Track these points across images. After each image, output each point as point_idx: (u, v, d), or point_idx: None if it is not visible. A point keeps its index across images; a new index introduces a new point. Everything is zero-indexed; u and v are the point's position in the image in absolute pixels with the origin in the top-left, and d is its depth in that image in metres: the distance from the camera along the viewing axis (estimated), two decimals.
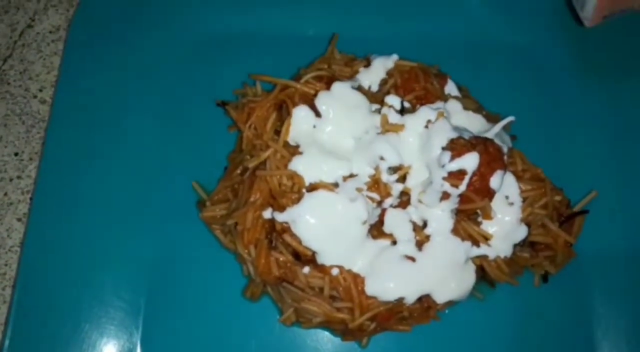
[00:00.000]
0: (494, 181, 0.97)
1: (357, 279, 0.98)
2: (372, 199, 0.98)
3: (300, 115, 1.02)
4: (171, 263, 1.10)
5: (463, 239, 0.99)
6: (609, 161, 1.18)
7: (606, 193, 1.11)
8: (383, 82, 1.10)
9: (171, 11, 1.26)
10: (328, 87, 1.04)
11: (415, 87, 1.07)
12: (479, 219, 1.01)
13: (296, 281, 1.00)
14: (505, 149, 1.00)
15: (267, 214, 1.00)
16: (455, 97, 1.09)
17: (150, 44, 1.23)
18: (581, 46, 1.26)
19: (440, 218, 0.99)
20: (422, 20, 1.28)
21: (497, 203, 1.00)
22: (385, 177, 0.99)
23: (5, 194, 1.20)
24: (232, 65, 1.22)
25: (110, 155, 1.16)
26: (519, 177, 1.03)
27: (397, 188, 1.00)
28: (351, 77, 1.10)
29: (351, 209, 0.96)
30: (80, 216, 1.11)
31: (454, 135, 0.97)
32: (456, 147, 0.95)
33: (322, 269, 0.98)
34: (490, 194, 0.98)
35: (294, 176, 0.99)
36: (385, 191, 0.99)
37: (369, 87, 1.09)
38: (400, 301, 0.98)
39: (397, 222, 1.00)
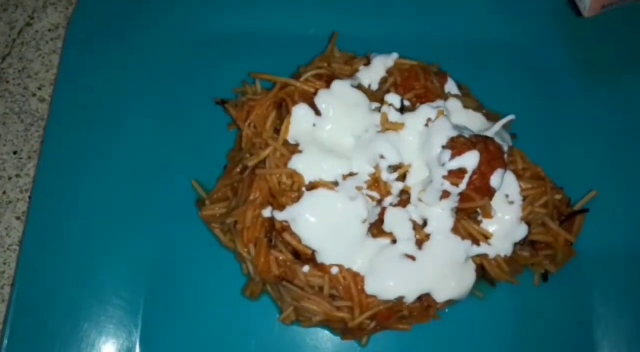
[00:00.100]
0: (495, 180, 0.96)
1: (357, 278, 0.98)
2: (372, 197, 0.98)
3: (300, 113, 1.02)
4: (171, 262, 1.10)
5: (463, 238, 0.99)
6: (609, 160, 1.18)
7: (607, 192, 1.11)
8: (383, 81, 1.10)
9: (171, 9, 1.26)
10: (328, 85, 1.04)
11: (415, 86, 1.07)
12: (479, 218, 1.01)
13: (296, 279, 0.99)
14: (505, 148, 1.00)
15: (267, 212, 1.00)
16: (456, 96, 1.09)
17: (149, 43, 1.23)
18: (581, 45, 1.26)
19: (441, 217, 0.98)
20: (422, 19, 1.28)
21: (497, 202, 1.00)
22: (385, 175, 0.99)
23: (4, 192, 1.19)
24: (231, 64, 1.22)
25: (109, 154, 1.16)
26: (519, 176, 1.03)
27: (397, 187, 0.99)
28: (351, 75, 1.10)
29: (351, 207, 0.96)
30: (79, 215, 1.11)
31: (454, 133, 0.97)
32: (456, 145, 0.95)
33: (322, 268, 0.98)
34: (490, 192, 0.97)
35: (294, 175, 0.99)
36: (385, 189, 0.99)
37: (369, 86, 1.09)
38: (400, 300, 0.98)
39: (397, 221, 1.00)
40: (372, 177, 0.99)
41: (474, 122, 1.07)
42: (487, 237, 1.00)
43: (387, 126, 1.00)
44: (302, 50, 1.19)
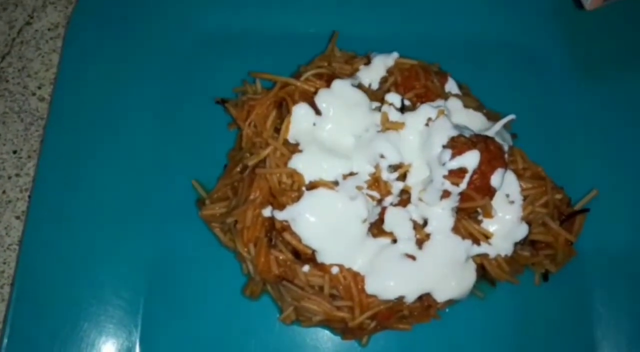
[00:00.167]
0: (495, 179, 0.96)
1: (357, 278, 0.98)
2: (372, 197, 0.98)
3: (300, 113, 1.02)
4: (170, 261, 1.09)
5: (463, 237, 0.99)
6: (609, 159, 1.17)
7: (607, 191, 1.11)
8: (383, 80, 1.09)
9: (170, 8, 1.25)
10: (328, 84, 1.03)
11: (415, 85, 1.07)
12: (480, 217, 1.01)
13: (296, 279, 0.99)
14: (506, 147, 1.00)
15: (266, 212, 1.00)
16: (456, 95, 1.09)
17: (149, 42, 1.23)
18: (582, 44, 1.26)
19: (441, 216, 0.98)
20: (422, 18, 1.27)
21: (497, 201, 1.00)
22: (385, 175, 0.98)
23: (4, 192, 1.19)
24: (231, 63, 1.22)
25: (109, 153, 1.15)
26: (519, 176, 1.03)
27: (397, 186, 0.99)
28: (351, 75, 1.09)
29: (351, 207, 0.96)
30: (79, 214, 1.11)
31: (454, 133, 0.97)
32: (457, 145, 0.95)
33: (322, 268, 0.98)
34: (490, 192, 0.97)
35: (294, 174, 0.99)
36: (385, 189, 0.99)
37: (369, 85, 1.09)
38: (400, 299, 0.98)
39: (397, 220, 1.00)
40: (372, 177, 0.99)
41: (474, 121, 1.07)
42: (487, 236, 1.00)
43: (388, 125, 1.00)
44: (302, 50, 1.19)
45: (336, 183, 0.98)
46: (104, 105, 1.18)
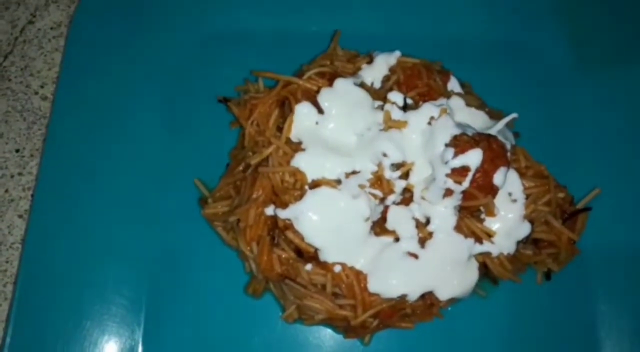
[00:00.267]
0: (497, 178, 0.96)
1: (360, 276, 0.98)
2: (374, 195, 0.98)
3: (303, 111, 1.02)
4: (173, 260, 1.09)
5: (466, 236, 0.99)
6: (612, 158, 1.17)
7: (610, 190, 1.11)
8: (386, 79, 1.09)
9: (173, 7, 1.25)
10: (330, 83, 1.03)
11: (418, 84, 1.07)
12: (482, 216, 1.01)
13: (298, 277, 0.99)
14: (508, 146, 1.00)
15: (269, 210, 1.00)
16: (458, 94, 1.09)
17: (151, 40, 1.23)
18: (584, 43, 1.26)
19: (443, 215, 0.98)
20: (424, 17, 1.28)
21: (500, 200, 1.00)
22: (388, 173, 0.98)
23: (6, 190, 1.19)
24: (234, 62, 1.22)
25: (111, 152, 1.15)
26: (522, 174, 1.03)
27: (399, 185, 0.99)
28: (354, 73, 1.09)
29: (354, 206, 0.96)
30: (82, 213, 1.11)
31: (457, 131, 0.97)
32: (459, 143, 0.95)
33: (325, 266, 0.98)
34: (493, 190, 0.97)
35: (297, 173, 0.99)
36: (388, 187, 0.98)
37: (372, 84, 1.09)
38: (403, 298, 0.98)
39: (399, 219, 1.00)
40: (374, 175, 0.99)
41: (477, 120, 1.07)
42: (489, 235, 1.00)
43: (390, 124, 1.00)
44: (305, 48, 1.18)
45: (339, 182, 0.98)
46: (106, 104, 1.18)
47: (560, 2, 1.29)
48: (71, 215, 1.10)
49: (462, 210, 1.00)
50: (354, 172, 0.99)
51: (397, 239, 0.99)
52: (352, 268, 0.98)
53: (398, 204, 1.01)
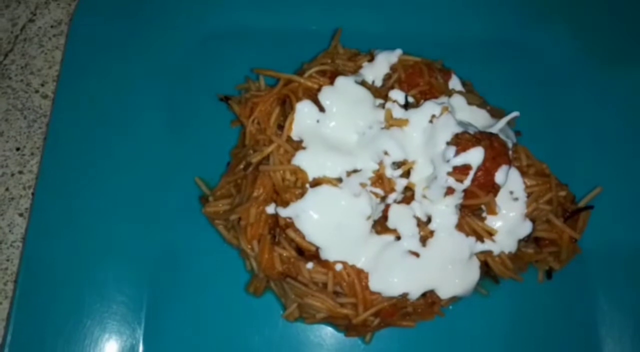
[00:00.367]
0: (499, 176, 0.96)
1: (361, 275, 0.98)
2: (376, 194, 0.98)
3: (304, 110, 1.02)
4: (174, 258, 1.09)
5: (467, 234, 0.99)
6: (614, 157, 1.17)
7: (611, 189, 1.11)
8: (387, 77, 1.09)
9: (174, 5, 1.25)
10: (332, 81, 1.03)
11: (419, 82, 1.07)
12: (484, 214, 1.01)
13: (299, 276, 0.99)
14: (509, 144, 1.00)
15: (270, 209, 1.00)
16: (460, 92, 1.09)
17: (152, 39, 1.23)
18: (586, 41, 1.26)
19: (445, 213, 0.98)
20: (425, 15, 1.27)
21: (501, 198, 1.00)
22: (389, 172, 0.98)
23: (7, 189, 1.19)
24: (235, 60, 1.22)
25: (112, 151, 1.15)
26: (523, 173, 1.03)
27: (401, 183, 0.99)
28: (355, 71, 1.09)
29: (355, 204, 0.96)
30: (82, 211, 1.11)
31: (458, 130, 0.97)
32: (461, 142, 0.95)
33: (326, 265, 0.98)
34: (495, 189, 0.97)
35: (298, 171, 0.99)
36: (389, 186, 0.98)
37: (373, 82, 1.09)
38: (404, 296, 0.98)
39: (401, 217, 0.99)
40: (376, 174, 0.99)
41: (478, 118, 1.07)
42: (491, 233, 1.00)
43: (391, 122, 1.00)
44: (306, 47, 1.19)
45: (340, 180, 0.98)
46: (106, 102, 1.18)
47: (562, 1, 1.28)
48: (72, 213, 1.10)
49: (463, 208, 1.00)
50: (355, 171, 0.99)
51: (398, 238, 0.99)
52: (353, 267, 0.98)
53: (399, 202, 1.00)
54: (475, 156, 0.94)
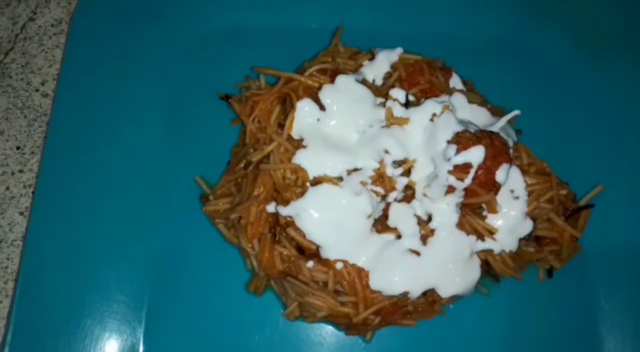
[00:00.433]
0: (500, 175, 0.96)
1: (362, 273, 0.98)
2: (376, 193, 0.98)
3: (304, 108, 1.02)
4: (174, 257, 1.09)
5: (468, 233, 0.99)
6: (614, 155, 1.17)
7: (612, 188, 1.11)
8: (387, 76, 1.09)
9: (174, 4, 1.25)
10: (332, 80, 1.03)
11: (419, 81, 1.07)
12: (484, 213, 1.01)
13: (300, 275, 0.99)
14: (510, 143, 1.00)
15: (270, 208, 0.99)
16: (460, 91, 1.09)
17: (152, 37, 1.23)
18: (586, 40, 1.25)
19: (445, 212, 0.98)
20: (426, 13, 1.27)
21: (502, 197, 1.00)
22: (389, 170, 0.98)
23: (7, 188, 1.19)
24: (235, 59, 1.21)
25: (112, 149, 1.15)
26: (524, 171, 1.03)
27: (401, 182, 0.99)
28: (355, 70, 1.09)
29: (355, 203, 0.96)
30: (83, 210, 1.11)
31: (459, 128, 0.97)
32: (462, 140, 0.95)
33: (326, 263, 0.98)
34: (495, 187, 0.97)
35: (298, 170, 0.99)
36: (389, 184, 0.98)
37: (374, 81, 1.09)
38: (404, 295, 0.98)
39: (401, 216, 0.99)
40: (376, 172, 0.99)
41: (479, 117, 1.07)
42: (492, 232, 1.00)
43: (392, 121, 1.00)
44: (306, 45, 1.18)
45: (340, 179, 0.98)
46: (107, 101, 1.18)
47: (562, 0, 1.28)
48: (72, 212, 1.10)
49: (464, 207, 1.00)
50: (355, 169, 0.99)
51: (398, 236, 0.99)
52: (353, 265, 0.98)
53: (400, 201, 1.00)
54: (476, 155, 0.94)
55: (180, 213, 1.12)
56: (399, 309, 1.00)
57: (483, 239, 1.00)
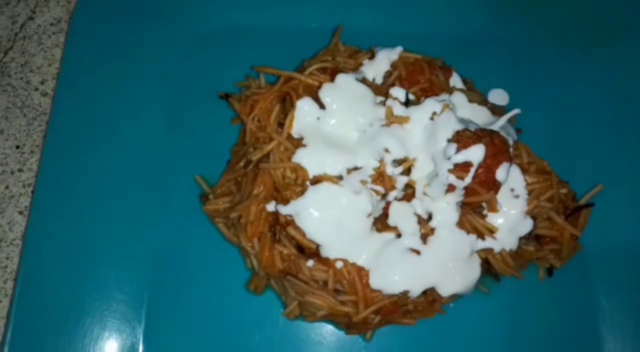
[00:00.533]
0: (500, 173, 0.96)
1: (362, 272, 0.97)
2: (376, 191, 0.98)
3: (304, 107, 1.02)
4: (174, 256, 1.09)
5: (468, 232, 0.99)
6: (615, 154, 1.17)
7: (612, 186, 1.10)
8: (387, 75, 1.09)
9: (174, 3, 1.25)
10: (332, 79, 1.03)
11: (419, 79, 1.07)
12: (484, 212, 1.01)
13: (300, 274, 0.99)
14: (510, 142, 1.00)
15: (270, 207, 0.99)
16: (460, 90, 1.09)
17: (152, 36, 1.22)
18: (587, 39, 1.25)
19: (445, 211, 0.98)
20: (426, 12, 1.27)
21: (502, 196, 1.00)
22: (390, 169, 0.98)
23: (7, 187, 1.19)
24: (235, 58, 1.21)
25: (112, 149, 1.15)
26: (524, 170, 1.02)
27: (401, 181, 0.99)
28: (355, 69, 1.09)
29: (355, 201, 0.96)
30: (82, 209, 1.10)
31: (459, 127, 0.96)
32: (462, 139, 0.95)
33: (326, 262, 0.98)
34: (496, 186, 0.97)
35: (298, 169, 0.99)
36: (389, 183, 0.98)
37: (374, 79, 1.09)
38: (404, 294, 0.98)
39: (401, 215, 0.99)
40: (376, 171, 0.98)
41: (479, 116, 1.07)
42: (492, 231, 1.00)
43: (392, 120, 1.00)
44: (306, 44, 1.18)
45: (340, 178, 0.98)
46: (106, 100, 1.18)
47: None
48: (71, 211, 1.10)
49: (464, 206, 0.99)
50: (355, 168, 0.99)
51: (399, 235, 0.99)
52: (353, 264, 0.98)
53: (400, 200, 1.00)
54: (476, 153, 0.94)
55: (180, 212, 1.12)
56: (399, 308, 1.00)
57: (483, 238, 1.00)
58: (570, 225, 1.03)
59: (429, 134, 0.98)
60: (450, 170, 0.95)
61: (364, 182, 0.97)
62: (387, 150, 0.98)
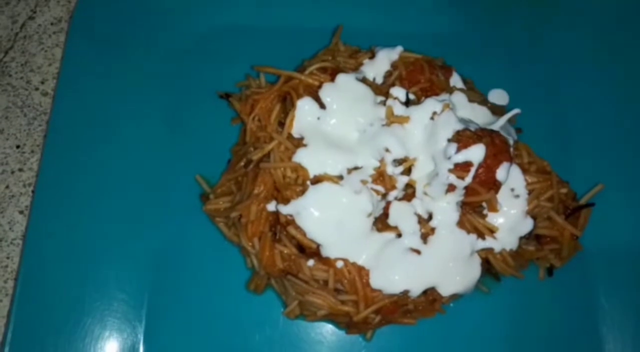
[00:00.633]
0: (500, 173, 0.96)
1: (362, 272, 0.97)
2: (377, 191, 0.98)
3: (305, 107, 1.02)
4: (174, 256, 1.09)
5: (468, 231, 0.99)
6: (615, 154, 1.17)
7: (612, 186, 1.10)
8: (388, 74, 1.09)
9: (174, 2, 1.25)
10: (332, 78, 1.03)
11: (420, 79, 1.07)
12: (485, 211, 1.01)
13: (300, 273, 0.99)
14: (510, 142, 1.00)
15: (271, 206, 0.99)
16: (461, 90, 1.09)
17: (152, 36, 1.23)
18: (587, 39, 1.25)
19: (446, 211, 0.98)
20: (426, 12, 1.27)
21: (502, 196, 1.00)
22: (390, 169, 0.98)
23: (7, 186, 1.19)
24: (235, 57, 1.21)
25: (112, 148, 1.15)
26: (524, 170, 1.02)
27: (402, 180, 0.99)
28: (356, 69, 1.09)
29: (356, 201, 0.96)
30: (83, 209, 1.10)
31: (460, 127, 0.96)
32: (462, 138, 0.95)
33: (327, 262, 0.98)
34: (496, 186, 0.97)
35: (298, 168, 0.99)
36: (390, 183, 0.98)
37: (374, 79, 1.09)
38: (405, 293, 0.98)
39: (402, 214, 0.99)
40: (377, 171, 0.98)
41: (479, 115, 1.07)
42: (492, 231, 1.00)
43: (392, 119, 1.00)
44: (307, 44, 1.18)
45: (341, 177, 0.98)
46: (107, 100, 1.18)
47: None
48: (72, 211, 1.10)
49: (464, 206, 0.99)
50: (356, 168, 0.99)
51: (399, 235, 0.99)
52: (354, 264, 0.98)
53: (400, 199, 1.00)
54: (476, 153, 0.94)
55: (180, 212, 1.12)
56: (399, 308, 1.00)
57: (483, 238, 1.00)
58: (571, 225, 1.03)
59: (429, 133, 0.98)
60: (450, 170, 0.95)
61: (364, 182, 0.97)
62: (387, 150, 0.98)
